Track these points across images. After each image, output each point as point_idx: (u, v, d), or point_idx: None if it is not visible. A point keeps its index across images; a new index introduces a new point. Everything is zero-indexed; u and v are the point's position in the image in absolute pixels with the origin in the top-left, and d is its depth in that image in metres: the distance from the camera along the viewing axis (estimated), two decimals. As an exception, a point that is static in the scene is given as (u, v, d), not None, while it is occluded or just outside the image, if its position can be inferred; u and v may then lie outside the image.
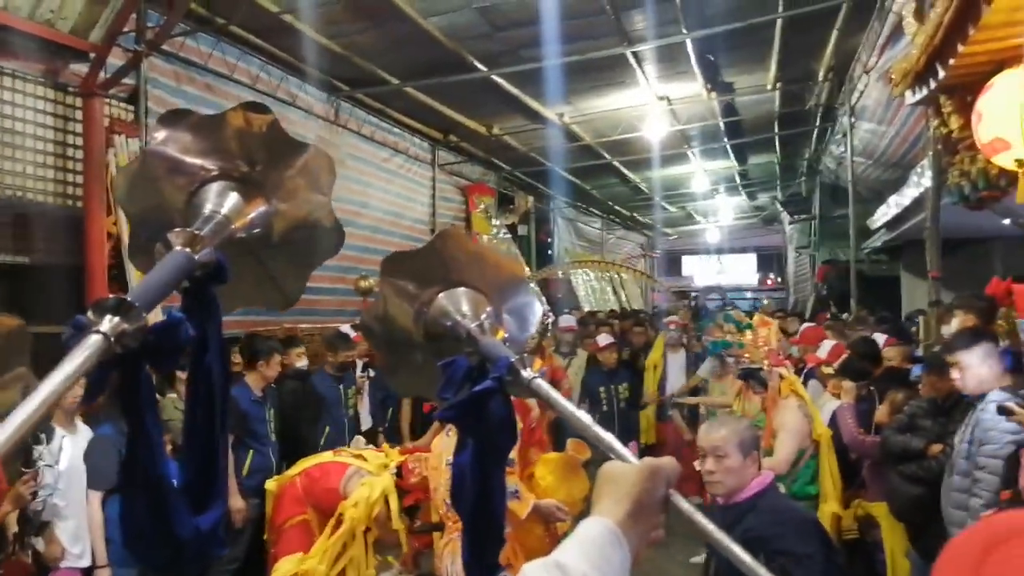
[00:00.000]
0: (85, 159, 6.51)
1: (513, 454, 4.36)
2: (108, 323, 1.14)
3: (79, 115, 6.55)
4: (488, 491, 1.66)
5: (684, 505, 1.21)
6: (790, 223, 22.54)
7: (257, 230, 1.60)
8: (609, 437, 1.33)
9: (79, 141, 6.56)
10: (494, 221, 14.50)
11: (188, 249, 1.38)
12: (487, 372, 1.58)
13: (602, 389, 9.16)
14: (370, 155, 11.54)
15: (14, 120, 6.15)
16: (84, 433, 5.05)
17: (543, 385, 1.49)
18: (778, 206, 23.34)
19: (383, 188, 11.69)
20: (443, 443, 4.64)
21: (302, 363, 7.19)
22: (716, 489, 3.35)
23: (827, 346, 6.75)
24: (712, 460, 3.33)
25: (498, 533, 1.71)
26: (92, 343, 1.11)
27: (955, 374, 4.29)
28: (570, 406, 1.43)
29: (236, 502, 5.89)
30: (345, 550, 4.91)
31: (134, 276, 6.57)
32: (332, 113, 10.65)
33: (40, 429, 4.49)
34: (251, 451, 6.09)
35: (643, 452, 9.27)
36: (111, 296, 1.18)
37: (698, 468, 3.41)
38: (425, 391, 1.87)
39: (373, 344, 2.01)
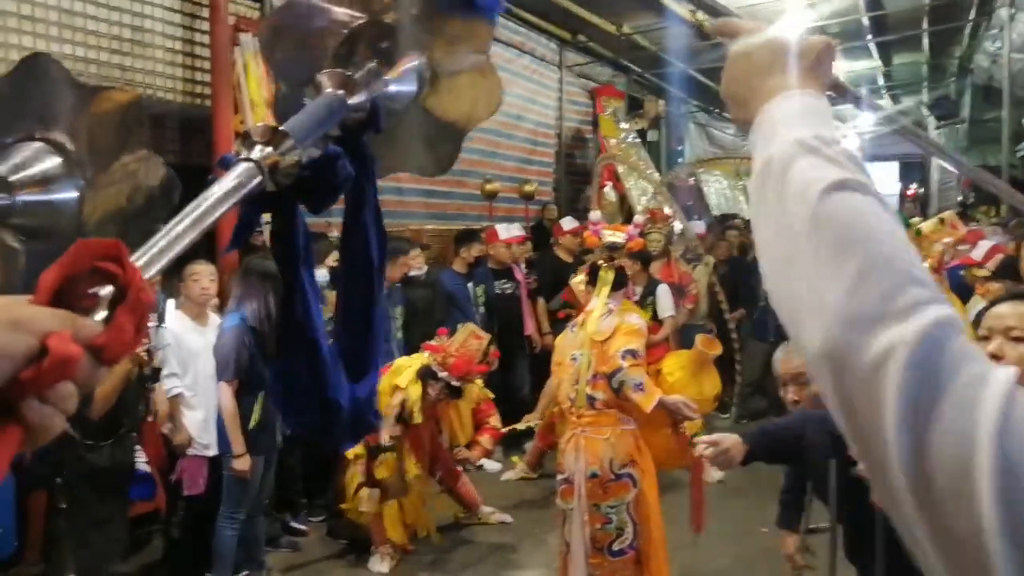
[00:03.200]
0: (212, 57, 6.54)
1: (640, 347, 4.23)
2: (259, 152, 1.01)
3: (205, 12, 6.56)
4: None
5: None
6: (936, 128, 21.38)
7: (411, 85, 1.46)
8: None
9: (206, 39, 6.59)
10: (622, 125, 14.11)
11: (341, 91, 1.25)
12: None
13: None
14: (494, 55, 11.23)
15: (143, 18, 6.20)
16: (216, 325, 5.14)
17: None
18: (924, 110, 22.12)
19: (505, 90, 11.46)
20: (566, 339, 4.55)
21: (419, 267, 7.16)
22: None
23: (984, 247, 6.28)
24: (794, 388, 3.14)
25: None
26: (242, 170, 0.98)
27: None
28: None
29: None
30: None
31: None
32: (457, 11, 10.45)
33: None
34: (378, 349, 6.11)
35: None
36: (261, 123, 1.05)
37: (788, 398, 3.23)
38: None
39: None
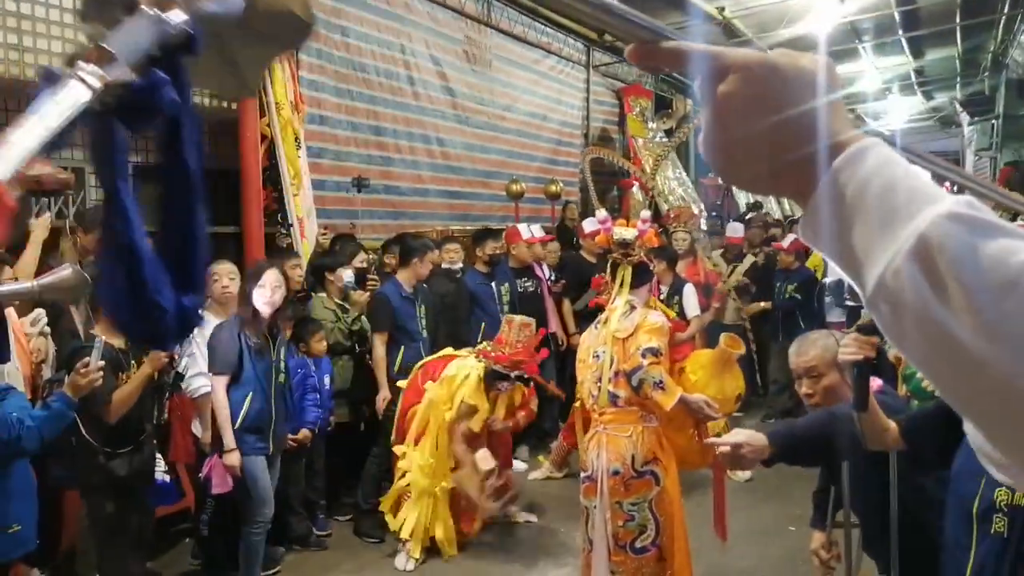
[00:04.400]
0: (238, 61, 6.60)
1: (662, 345, 4.22)
2: (88, 72, 1.02)
3: (232, 17, 6.62)
4: None
5: None
6: (969, 124, 21.12)
7: (225, 8, 1.49)
8: None
9: (233, 44, 6.65)
10: (650, 124, 14.08)
11: (157, 10, 1.26)
12: None
13: (778, 285, 9.19)
14: (520, 56, 11.31)
15: (171, 22, 6.27)
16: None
17: None
18: (956, 106, 21.83)
19: (530, 91, 11.48)
20: (589, 336, 4.55)
21: (456, 262, 7.23)
22: None
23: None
24: (808, 382, 3.13)
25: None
26: (72, 87, 1.00)
27: None
28: None
29: (385, 393, 6.01)
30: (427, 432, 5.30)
31: (288, 177, 6.70)
32: (484, 12, 10.47)
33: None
34: (402, 347, 6.15)
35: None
36: (88, 45, 1.07)
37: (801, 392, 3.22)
38: None
39: None
